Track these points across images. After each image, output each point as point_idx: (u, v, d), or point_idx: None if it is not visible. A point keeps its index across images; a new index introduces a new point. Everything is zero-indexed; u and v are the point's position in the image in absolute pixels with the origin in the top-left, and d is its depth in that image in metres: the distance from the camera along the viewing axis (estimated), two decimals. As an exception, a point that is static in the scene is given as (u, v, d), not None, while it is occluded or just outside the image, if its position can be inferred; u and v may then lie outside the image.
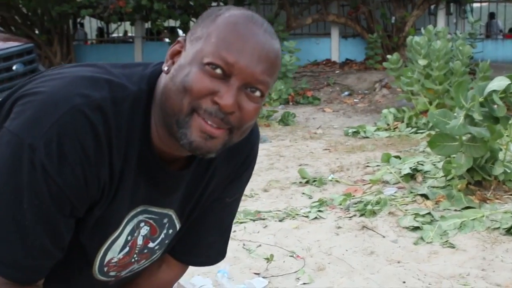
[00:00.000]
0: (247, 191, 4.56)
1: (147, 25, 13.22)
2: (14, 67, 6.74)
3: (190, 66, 1.05)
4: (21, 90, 1.09)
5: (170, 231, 1.27)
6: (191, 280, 3.10)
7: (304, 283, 3.12)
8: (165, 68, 1.10)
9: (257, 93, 1.08)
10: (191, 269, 3.22)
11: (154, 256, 1.29)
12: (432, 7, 10.93)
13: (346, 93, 9.22)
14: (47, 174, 1.01)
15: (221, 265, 3.22)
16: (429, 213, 3.85)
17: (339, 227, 3.82)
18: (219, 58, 1.04)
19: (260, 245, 3.59)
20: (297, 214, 4.08)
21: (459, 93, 4.01)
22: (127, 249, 1.22)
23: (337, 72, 10.32)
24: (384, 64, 7.75)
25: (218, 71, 1.04)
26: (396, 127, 6.67)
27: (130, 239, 1.21)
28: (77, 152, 1.02)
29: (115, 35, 15.97)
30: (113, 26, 15.40)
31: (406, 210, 3.96)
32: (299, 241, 3.66)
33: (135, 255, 1.24)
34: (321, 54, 11.43)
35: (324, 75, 10.11)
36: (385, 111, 7.04)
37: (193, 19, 12.96)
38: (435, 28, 7.55)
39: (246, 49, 1.04)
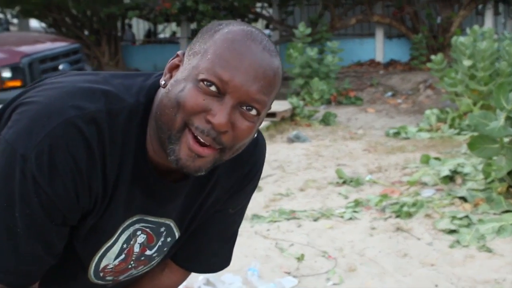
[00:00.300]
0: (282, 190, 4.58)
1: (193, 26, 13.35)
2: (60, 67, 6.92)
3: (186, 81, 1.05)
4: (21, 98, 1.11)
5: (169, 239, 1.26)
6: (222, 278, 3.12)
7: (334, 284, 3.10)
8: (162, 82, 1.10)
9: (253, 112, 1.06)
10: (222, 266, 3.26)
11: (153, 262, 1.29)
12: (480, 7, 10.69)
13: (389, 93, 9.10)
14: (37, 185, 1.03)
15: (251, 263, 3.24)
16: (466, 216, 3.77)
17: (373, 228, 3.79)
18: (214, 75, 1.02)
19: (292, 244, 3.59)
20: (332, 214, 4.06)
21: (500, 94, 3.92)
22: (123, 256, 1.22)
23: (381, 72, 10.20)
24: (428, 64, 7.63)
25: (213, 88, 1.03)
26: (439, 128, 6.55)
27: (126, 247, 1.21)
28: (68, 164, 1.03)
29: (162, 36, 16.19)
30: (160, 27, 15.63)
31: (443, 212, 3.89)
32: (332, 241, 3.64)
33: (132, 262, 1.25)
34: (365, 55, 11.32)
35: (367, 76, 10.00)
36: (428, 112, 6.92)
37: (238, 19, 13.05)
38: (481, 28, 7.38)
39: (242, 67, 1.03)
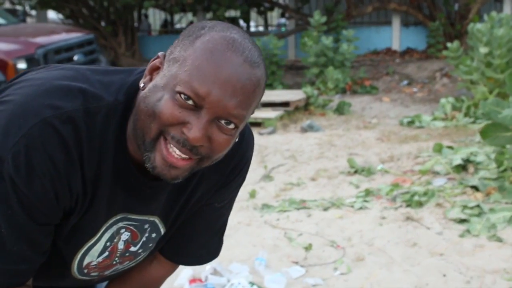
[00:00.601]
0: (293, 179, 4.57)
1: (209, 15, 13.35)
2: (75, 58, 6.98)
3: (163, 91, 1.03)
4: (0, 95, 1.09)
5: (154, 235, 1.26)
6: (229, 267, 3.13)
7: (341, 273, 3.09)
8: (141, 85, 1.08)
9: (231, 126, 1.04)
10: (229, 256, 3.28)
11: (139, 257, 1.29)
12: (499, -7, 10.54)
13: (405, 82, 9.02)
14: (16, 186, 1.02)
15: (259, 253, 3.25)
16: (478, 206, 3.73)
17: (383, 218, 3.77)
18: (190, 89, 1.00)
19: (301, 234, 3.59)
20: (342, 204, 4.05)
21: (513, 81, 3.87)
22: (106, 253, 1.22)
23: (397, 61, 10.11)
24: (444, 52, 7.54)
25: (190, 102, 1.01)
26: (454, 117, 6.48)
27: (109, 244, 1.21)
28: (46, 165, 1.02)
29: (178, 26, 16.21)
30: (177, 17, 15.63)
31: (454, 201, 3.85)
32: (341, 231, 3.63)
33: (116, 258, 1.25)
34: (382, 43, 11.23)
35: (383, 64, 9.93)
36: (443, 100, 6.85)
37: (254, 9, 13.00)
38: (498, 15, 7.27)
39: (219, 81, 1.00)
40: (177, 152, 1.04)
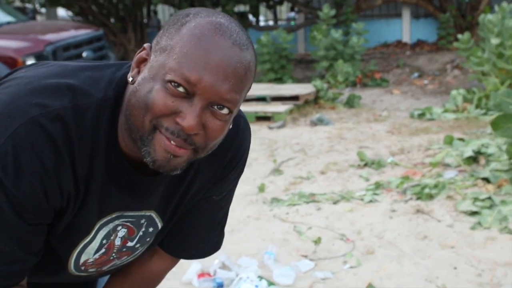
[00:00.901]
0: (303, 173, 4.55)
1: (218, 10, 13.31)
2: (84, 54, 6.98)
3: (153, 81, 1.01)
4: None
5: (151, 229, 1.24)
6: (238, 261, 3.12)
7: (351, 267, 3.07)
8: (130, 79, 1.06)
9: (224, 111, 1.02)
10: (238, 250, 3.27)
11: (136, 252, 1.28)
12: (510, -17, 10.41)
13: (416, 74, 8.95)
14: (4, 186, 1.01)
15: (268, 247, 3.24)
16: (489, 198, 3.69)
17: (393, 211, 3.74)
18: (181, 77, 0.98)
19: (310, 228, 3.57)
20: (352, 197, 4.02)
21: (524, 71, 3.82)
22: (103, 250, 1.21)
23: (407, 53, 10.03)
24: (455, 44, 7.46)
25: (181, 89, 0.99)
26: (465, 109, 6.42)
27: (105, 242, 1.20)
28: (34, 165, 1.01)
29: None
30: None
31: (465, 194, 3.82)
32: (351, 224, 3.61)
33: (113, 254, 1.24)
34: (392, 36, 11.14)
35: (394, 57, 9.85)
36: (454, 92, 6.79)
37: (263, 3, 12.95)
38: (510, 5, 7.19)
39: (210, 66, 0.98)
40: (172, 142, 1.02)
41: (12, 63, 6.32)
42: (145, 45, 1.07)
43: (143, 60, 1.06)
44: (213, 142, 1.06)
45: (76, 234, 1.15)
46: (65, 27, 7.72)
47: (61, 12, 14.48)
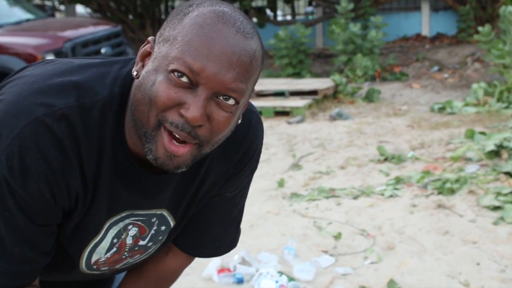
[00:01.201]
0: (322, 168, 4.52)
1: (235, 5, 13.29)
2: (102, 50, 7.01)
3: (156, 73, 0.98)
4: None
5: (163, 227, 1.23)
6: (258, 257, 3.11)
7: (371, 262, 3.05)
8: (134, 73, 1.03)
9: (230, 101, 0.99)
10: (258, 245, 3.25)
11: (149, 250, 1.26)
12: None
13: (436, 68, 8.86)
14: (11, 187, 1.00)
15: (288, 242, 3.22)
16: (512, 192, 3.64)
17: (414, 206, 3.70)
18: (184, 65, 0.95)
19: (330, 223, 3.55)
20: (372, 192, 3.99)
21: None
22: (114, 249, 1.20)
23: (427, 46, 9.94)
24: (475, 36, 7.38)
25: (184, 79, 0.96)
26: (486, 103, 6.34)
27: (116, 241, 1.19)
28: (40, 166, 0.99)
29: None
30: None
31: (487, 188, 3.76)
32: (372, 219, 3.58)
33: (125, 253, 1.22)
34: (411, 29, 11.05)
35: (413, 50, 9.77)
36: (474, 85, 6.70)
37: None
38: (531, -3, 7.08)
39: (213, 55, 0.95)
40: (176, 136, 1.00)
41: (31, 59, 6.36)
42: (149, 38, 1.05)
43: (148, 54, 1.04)
44: (218, 135, 1.02)
45: (86, 233, 1.14)
46: (83, 24, 7.76)
47: (80, 9, 14.56)
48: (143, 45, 1.05)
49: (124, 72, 1.08)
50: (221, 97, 0.99)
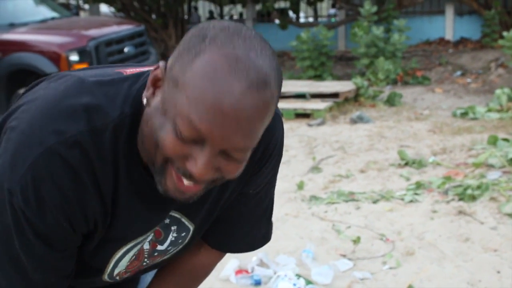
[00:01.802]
0: (342, 171, 4.51)
1: (258, 7, 13.31)
2: (125, 49, 7.06)
3: (164, 117, 0.96)
4: (12, 116, 1.06)
5: (183, 234, 1.22)
6: (276, 259, 3.11)
7: (390, 267, 3.03)
8: (145, 100, 1.01)
9: (239, 155, 0.98)
10: (276, 247, 3.25)
11: (170, 254, 1.26)
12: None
13: (459, 73, 8.78)
14: (28, 218, 1.00)
15: (307, 245, 3.21)
16: (534, 200, 3.60)
17: (434, 211, 3.67)
18: (190, 127, 0.93)
19: (349, 227, 3.54)
20: (392, 197, 3.97)
21: None
22: (133, 257, 1.20)
23: (450, 51, 9.85)
24: (500, 41, 7.31)
25: (190, 136, 0.95)
26: (510, 109, 6.27)
27: (136, 251, 1.19)
28: (55, 196, 0.99)
29: (227, 17, 16.24)
30: (226, 9, 15.66)
31: (509, 195, 3.72)
32: (391, 224, 3.56)
33: (145, 259, 1.23)
34: (434, 33, 10.97)
35: (436, 55, 9.69)
36: (498, 91, 6.63)
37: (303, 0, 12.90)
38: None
39: (221, 115, 0.91)
40: (186, 182, 0.99)
41: (56, 57, 6.43)
42: (160, 63, 1.02)
43: (158, 80, 1.01)
44: (231, 177, 1.01)
45: (107, 252, 1.15)
46: (107, 23, 7.82)
47: (104, 8, 14.69)
48: (153, 69, 1.02)
49: (134, 90, 1.06)
50: (230, 153, 0.97)
